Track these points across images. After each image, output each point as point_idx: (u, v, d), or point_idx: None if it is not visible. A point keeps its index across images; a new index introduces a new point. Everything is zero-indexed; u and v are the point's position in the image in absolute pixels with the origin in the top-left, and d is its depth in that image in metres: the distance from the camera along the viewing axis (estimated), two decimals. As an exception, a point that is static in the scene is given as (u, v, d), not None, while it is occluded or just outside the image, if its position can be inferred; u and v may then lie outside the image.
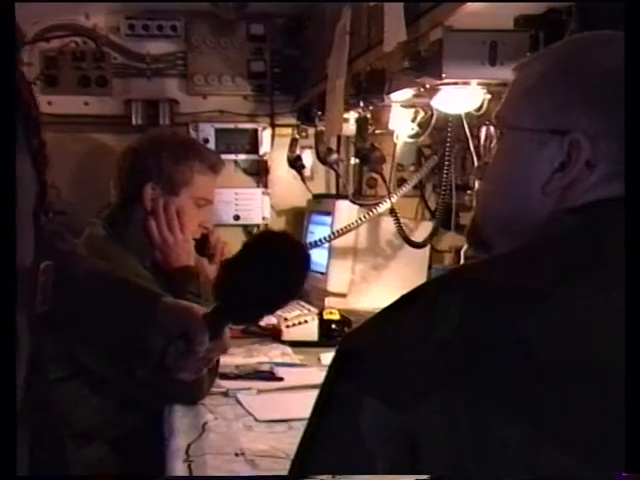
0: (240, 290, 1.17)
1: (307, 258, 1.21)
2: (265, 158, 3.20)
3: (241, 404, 1.94)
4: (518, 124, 0.91)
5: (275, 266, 1.17)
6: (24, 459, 0.98)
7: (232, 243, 3.19)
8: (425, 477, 0.75)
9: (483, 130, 1.01)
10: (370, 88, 1.94)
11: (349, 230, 2.57)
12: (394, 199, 2.45)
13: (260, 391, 2.03)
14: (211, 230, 2.29)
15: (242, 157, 3.20)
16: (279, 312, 2.72)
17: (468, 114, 1.96)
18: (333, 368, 0.84)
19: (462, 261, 2.34)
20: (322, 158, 2.91)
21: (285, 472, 0.84)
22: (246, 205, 3.20)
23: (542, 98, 0.90)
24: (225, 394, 2.00)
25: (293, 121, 3.08)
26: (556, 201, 0.88)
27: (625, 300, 0.77)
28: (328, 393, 0.83)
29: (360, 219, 2.56)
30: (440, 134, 2.35)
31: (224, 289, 1.19)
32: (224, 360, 2.27)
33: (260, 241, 1.23)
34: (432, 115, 2.24)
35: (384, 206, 2.47)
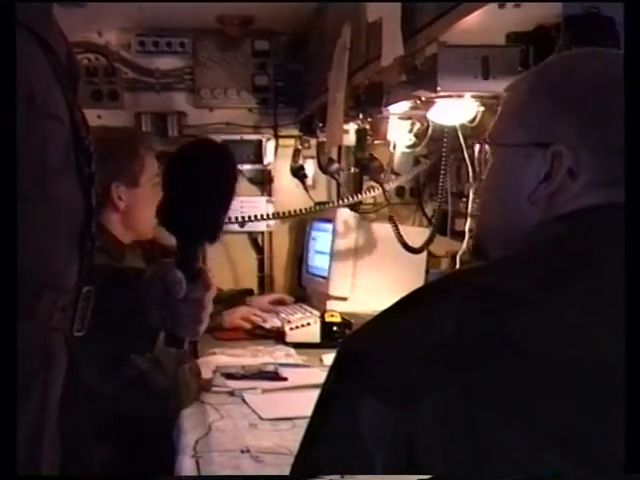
0: (176, 206, 1.10)
1: (229, 156, 1.13)
2: (269, 168, 3.21)
3: (246, 403, 1.94)
4: (507, 141, 0.92)
5: (199, 171, 1.10)
6: (57, 460, 0.97)
7: (238, 249, 3.22)
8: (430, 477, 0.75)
9: (477, 147, 1.04)
10: (369, 101, 1.94)
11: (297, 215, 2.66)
12: (355, 198, 2.46)
13: (265, 390, 2.03)
14: None
15: (247, 167, 3.20)
16: (283, 315, 2.73)
17: (462, 125, 1.96)
18: (334, 369, 0.84)
19: (458, 266, 2.34)
20: (323, 167, 2.91)
21: (289, 468, 0.84)
22: (251, 213, 3.19)
23: (528, 114, 0.91)
24: (231, 393, 2.00)
25: (296, 132, 3.09)
26: (543, 210, 0.88)
27: (625, 304, 0.77)
28: (329, 393, 0.83)
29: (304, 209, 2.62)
30: (436, 144, 2.34)
31: (163, 214, 1.11)
32: (230, 361, 2.28)
33: (182, 157, 1.13)
34: (428, 126, 2.24)
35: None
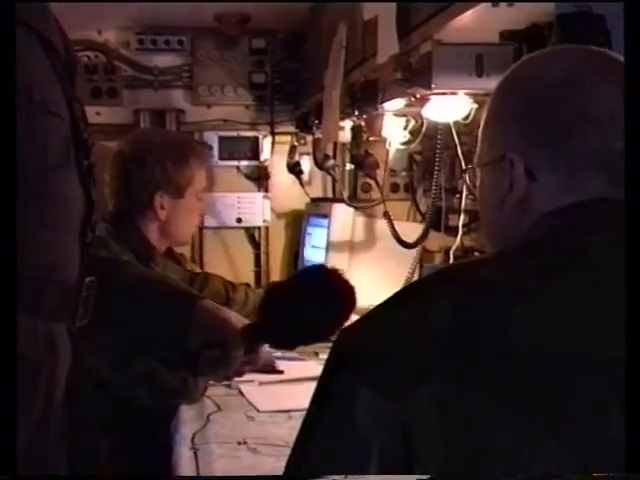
0: (284, 318, 1.12)
1: (354, 300, 1.16)
2: (266, 164, 3.20)
3: (243, 395, 1.94)
4: (481, 161, 0.96)
5: (323, 302, 1.12)
6: (62, 458, 0.97)
7: (235, 244, 3.22)
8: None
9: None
10: (364, 98, 1.94)
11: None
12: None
13: (261, 383, 2.03)
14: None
15: (244, 163, 3.20)
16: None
17: (456, 122, 1.96)
18: (330, 361, 0.84)
19: (451, 260, 2.34)
20: (319, 164, 2.91)
21: (285, 459, 0.84)
22: (248, 208, 3.20)
23: (488, 133, 0.95)
24: (228, 386, 2.00)
25: (292, 129, 3.08)
26: (519, 219, 0.90)
27: (623, 297, 0.77)
28: (325, 385, 0.83)
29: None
30: (430, 141, 2.34)
31: (270, 313, 1.14)
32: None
33: (313, 273, 1.18)
34: (422, 123, 2.24)
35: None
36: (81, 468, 1.01)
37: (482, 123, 0.97)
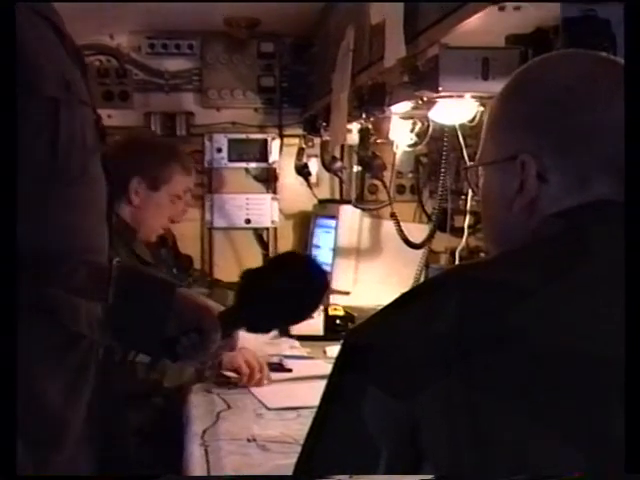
0: (259, 302, 1.15)
1: (326, 285, 1.19)
2: (274, 166, 3.21)
3: (253, 393, 1.94)
4: (485, 160, 0.95)
5: (297, 286, 1.15)
6: (91, 456, 0.97)
7: (244, 244, 3.22)
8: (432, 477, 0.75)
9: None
10: (372, 101, 1.94)
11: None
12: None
13: (270, 381, 2.03)
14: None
15: (253, 165, 3.20)
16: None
17: (462, 125, 1.95)
18: (339, 361, 0.84)
19: (457, 261, 2.34)
20: (327, 166, 2.91)
21: (295, 456, 0.84)
22: (256, 210, 3.21)
23: (497, 132, 0.94)
24: (236, 383, 2.00)
25: (300, 132, 3.09)
26: (528, 218, 0.89)
27: (624, 296, 0.77)
28: (335, 384, 0.83)
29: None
30: (436, 143, 2.34)
31: (246, 298, 1.17)
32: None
33: (287, 260, 1.21)
34: (429, 126, 2.23)
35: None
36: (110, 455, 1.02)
37: (486, 123, 0.96)
